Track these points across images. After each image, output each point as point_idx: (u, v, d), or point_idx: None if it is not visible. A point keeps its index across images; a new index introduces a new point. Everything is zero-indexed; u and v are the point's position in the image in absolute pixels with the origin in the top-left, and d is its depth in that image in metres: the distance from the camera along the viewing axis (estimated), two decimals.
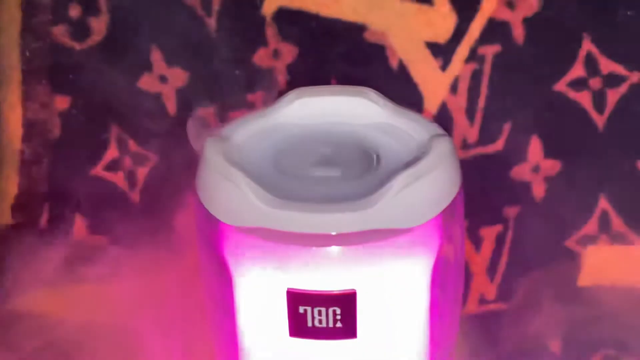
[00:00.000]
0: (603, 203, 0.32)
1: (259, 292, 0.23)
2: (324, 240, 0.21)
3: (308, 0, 0.32)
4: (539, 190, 0.33)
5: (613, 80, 0.31)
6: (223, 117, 0.33)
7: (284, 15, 0.32)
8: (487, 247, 0.33)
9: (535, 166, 0.32)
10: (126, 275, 0.32)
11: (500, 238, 0.33)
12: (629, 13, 0.30)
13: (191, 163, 0.31)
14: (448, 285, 0.23)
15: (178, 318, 0.30)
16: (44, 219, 0.33)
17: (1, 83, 0.32)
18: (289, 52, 0.32)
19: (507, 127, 0.32)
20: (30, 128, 0.33)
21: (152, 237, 0.33)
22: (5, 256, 0.32)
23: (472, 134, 0.33)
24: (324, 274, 0.22)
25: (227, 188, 0.22)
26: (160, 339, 0.30)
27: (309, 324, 0.22)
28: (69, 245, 0.33)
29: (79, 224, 0.34)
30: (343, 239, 0.21)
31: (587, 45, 0.31)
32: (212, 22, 0.32)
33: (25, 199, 0.33)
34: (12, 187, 0.33)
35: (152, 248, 0.33)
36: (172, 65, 0.33)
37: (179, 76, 0.32)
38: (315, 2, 0.31)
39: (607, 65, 0.31)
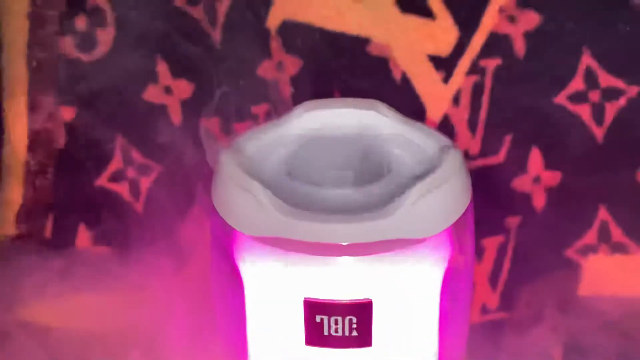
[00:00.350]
0: (603, 213, 0.33)
1: (274, 301, 0.23)
2: (340, 250, 0.22)
3: (312, 14, 0.32)
4: (539, 201, 0.34)
5: (612, 93, 0.32)
6: (227, 129, 0.34)
7: (288, 29, 0.33)
8: (490, 257, 0.34)
9: (536, 177, 0.33)
10: (130, 286, 0.33)
11: (502, 248, 0.34)
12: (627, 29, 0.31)
13: (195, 174, 0.32)
14: (458, 295, 0.24)
15: (183, 328, 0.31)
16: (48, 230, 0.34)
17: (7, 93, 0.32)
18: (293, 65, 0.33)
19: (508, 139, 0.33)
20: (36, 138, 0.33)
21: (156, 247, 0.33)
22: (9, 266, 0.32)
23: (474, 145, 0.33)
24: (340, 283, 0.22)
25: (244, 198, 0.22)
26: (166, 350, 0.31)
27: (325, 332, 0.23)
28: (73, 255, 0.33)
29: (83, 235, 0.34)
30: (358, 249, 0.22)
31: (587, 60, 0.32)
32: (217, 35, 0.33)
33: (29, 210, 0.33)
34: (17, 198, 0.33)
35: (156, 258, 0.33)
36: (177, 77, 0.33)
37: (184, 88, 0.33)
38: (319, 16, 0.32)
39: (606, 79, 0.32)
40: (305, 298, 0.22)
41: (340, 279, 0.23)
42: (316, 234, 0.22)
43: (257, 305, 0.23)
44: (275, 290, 0.23)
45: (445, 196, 0.22)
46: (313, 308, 0.22)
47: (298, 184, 0.23)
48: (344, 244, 0.22)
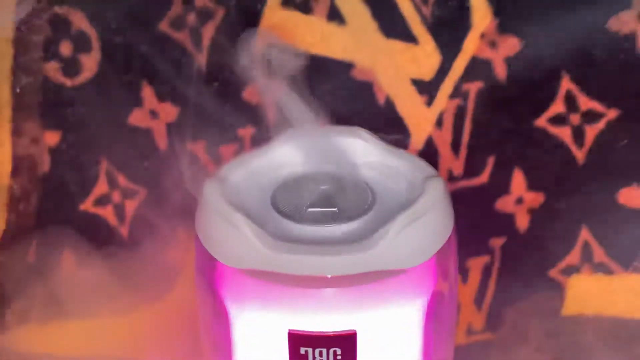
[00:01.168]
0: (585, 234, 0.34)
1: (259, 332, 0.24)
2: (324, 282, 0.23)
3: (297, 39, 0.33)
4: (522, 222, 0.35)
5: (592, 116, 0.34)
6: (213, 153, 0.34)
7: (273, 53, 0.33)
8: (474, 278, 0.35)
9: (519, 198, 0.34)
10: (115, 311, 0.33)
11: (486, 269, 0.35)
12: (604, 54, 0.32)
13: (180, 198, 0.32)
14: (443, 320, 0.24)
15: (169, 355, 0.31)
16: (32, 255, 0.34)
17: None
18: (277, 89, 0.34)
19: (491, 161, 0.34)
20: (20, 164, 0.34)
21: (141, 272, 0.33)
22: None
23: (458, 167, 0.34)
24: (324, 315, 0.23)
25: (227, 230, 0.23)
26: None
27: None
28: (57, 280, 0.34)
29: (68, 259, 0.34)
30: (341, 281, 0.23)
31: (567, 84, 0.33)
32: (202, 59, 0.33)
33: (13, 235, 0.34)
34: (0, 223, 0.34)
35: (142, 283, 0.33)
36: (162, 100, 0.34)
37: (169, 111, 0.33)
38: (303, 41, 0.33)
39: (585, 103, 0.33)
40: (289, 330, 0.23)
41: (324, 311, 0.24)
42: (300, 266, 0.23)
43: (244, 337, 0.24)
44: (259, 322, 0.24)
45: (428, 226, 0.23)
46: (297, 340, 0.23)
47: (281, 214, 0.24)
48: (328, 276, 0.23)
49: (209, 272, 0.25)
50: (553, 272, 0.35)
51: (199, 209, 0.25)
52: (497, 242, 0.35)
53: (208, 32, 0.33)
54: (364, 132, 0.27)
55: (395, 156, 0.26)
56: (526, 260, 0.35)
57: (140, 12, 0.32)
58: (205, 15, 0.32)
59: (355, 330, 0.24)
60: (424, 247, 0.24)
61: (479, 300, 0.36)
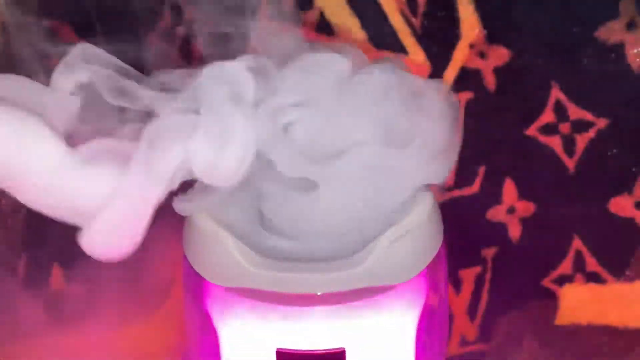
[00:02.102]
0: (577, 243, 0.34)
1: (247, 351, 0.23)
2: (313, 300, 0.23)
3: (287, 52, 0.33)
4: (514, 231, 0.35)
5: (581, 125, 0.34)
6: None
7: None
8: (467, 288, 0.35)
9: (510, 207, 0.34)
10: (105, 326, 0.33)
11: (479, 279, 0.35)
12: (593, 63, 0.32)
13: (170, 212, 0.32)
14: (434, 334, 0.24)
15: None
16: (21, 270, 0.34)
17: None
18: None
19: (482, 170, 0.34)
20: None
21: (130, 287, 0.33)
22: None
23: (449, 177, 0.34)
24: (312, 333, 0.23)
25: (213, 249, 0.23)
26: None
27: None
28: (46, 295, 0.33)
29: (57, 274, 0.34)
30: (330, 298, 0.23)
31: (556, 93, 0.33)
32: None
33: (2, 250, 0.33)
34: None
35: (132, 298, 0.33)
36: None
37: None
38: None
39: (575, 112, 0.33)
40: (277, 349, 0.23)
41: (312, 329, 0.23)
42: (288, 284, 0.22)
43: (231, 355, 0.24)
44: (247, 341, 0.24)
45: (417, 240, 0.23)
46: (286, 359, 0.23)
47: (268, 228, 0.24)
48: (317, 293, 0.23)
49: (197, 290, 0.25)
50: (546, 282, 0.35)
51: (185, 226, 0.25)
52: (489, 252, 0.35)
53: (198, 45, 0.33)
54: None
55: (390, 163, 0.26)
56: (519, 270, 0.35)
57: None
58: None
59: (344, 348, 0.23)
60: (413, 261, 0.24)
61: (472, 311, 0.36)
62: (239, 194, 0.25)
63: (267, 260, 0.23)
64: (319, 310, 0.23)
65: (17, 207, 0.34)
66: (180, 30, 0.33)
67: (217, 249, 0.23)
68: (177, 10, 0.33)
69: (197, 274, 0.24)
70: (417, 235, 0.24)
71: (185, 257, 0.25)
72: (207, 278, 0.24)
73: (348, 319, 0.24)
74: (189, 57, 0.34)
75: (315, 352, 0.23)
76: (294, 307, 0.23)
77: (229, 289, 0.24)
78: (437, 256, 0.25)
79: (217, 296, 0.24)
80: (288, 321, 0.23)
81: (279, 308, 0.23)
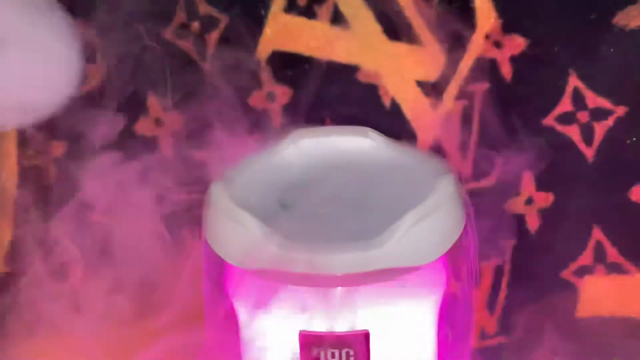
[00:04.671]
0: (597, 233, 0.34)
1: (269, 334, 0.23)
2: (334, 281, 0.23)
3: (301, 44, 0.33)
4: (533, 223, 0.34)
5: (600, 113, 0.33)
6: (219, 159, 0.34)
7: (278, 59, 0.34)
8: (486, 281, 0.35)
9: (529, 199, 0.34)
10: (122, 322, 0.33)
11: (498, 271, 0.35)
12: (611, 50, 0.32)
13: (187, 206, 0.32)
14: (457, 321, 0.24)
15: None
16: (38, 267, 0.34)
17: None
18: (283, 94, 0.34)
19: (499, 162, 0.34)
20: (25, 175, 0.34)
21: (147, 282, 0.33)
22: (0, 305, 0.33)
23: (466, 168, 0.34)
24: (335, 315, 0.23)
25: (235, 230, 0.23)
26: None
27: None
28: (65, 292, 0.34)
29: (75, 271, 0.34)
30: (352, 279, 0.23)
31: (574, 81, 0.33)
32: (207, 67, 0.33)
33: (19, 247, 0.34)
34: (6, 235, 0.34)
35: (147, 293, 0.33)
36: (168, 109, 0.34)
37: (175, 120, 0.34)
38: (308, 46, 0.33)
39: (593, 100, 0.33)
40: (300, 331, 0.23)
41: (334, 311, 0.23)
42: (309, 265, 0.23)
43: (254, 339, 0.24)
44: (269, 324, 0.24)
45: (439, 223, 0.23)
46: (309, 341, 0.23)
47: (290, 214, 0.24)
48: (338, 274, 0.23)
49: (218, 274, 0.25)
50: (566, 274, 0.35)
51: (206, 211, 0.25)
52: (507, 244, 0.35)
53: (212, 40, 0.34)
54: (371, 131, 0.27)
55: (404, 154, 0.26)
56: (538, 262, 0.35)
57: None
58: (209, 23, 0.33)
59: (368, 330, 0.23)
60: (435, 244, 0.24)
61: (491, 304, 0.35)
62: (260, 179, 0.25)
63: (288, 241, 0.23)
64: (341, 291, 0.23)
65: (35, 204, 0.35)
66: (195, 25, 0.33)
67: (239, 230, 0.24)
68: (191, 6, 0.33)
69: (218, 258, 0.24)
70: (438, 218, 0.24)
71: (205, 243, 0.25)
72: (229, 261, 0.24)
73: (369, 301, 0.24)
74: (204, 53, 0.34)
75: (339, 334, 0.23)
76: (314, 288, 0.23)
77: (250, 272, 0.24)
78: (459, 241, 0.25)
79: (238, 280, 0.24)
80: (310, 303, 0.23)
81: (300, 289, 0.23)
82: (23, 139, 0.34)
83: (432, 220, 0.24)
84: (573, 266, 0.35)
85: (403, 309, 0.24)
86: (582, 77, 0.34)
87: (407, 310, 0.24)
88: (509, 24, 0.33)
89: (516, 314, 0.35)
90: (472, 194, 0.35)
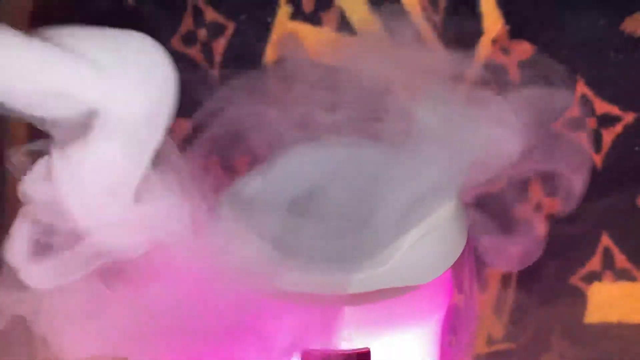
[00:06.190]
0: (605, 240, 0.34)
1: (272, 351, 0.23)
2: (337, 300, 0.23)
3: (309, 50, 0.33)
4: (541, 229, 0.34)
5: (608, 120, 0.33)
6: (228, 166, 0.34)
7: (285, 65, 0.33)
8: (494, 287, 0.35)
9: (537, 204, 0.34)
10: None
11: (505, 278, 0.34)
12: (620, 56, 0.32)
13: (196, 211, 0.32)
14: (459, 334, 0.24)
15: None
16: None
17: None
18: (290, 101, 0.34)
19: (507, 166, 0.34)
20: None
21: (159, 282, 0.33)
22: None
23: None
24: (337, 333, 0.23)
25: (239, 248, 0.23)
26: None
27: None
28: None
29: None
30: (356, 298, 0.22)
31: (582, 88, 0.33)
32: (215, 73, 0.33)
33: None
34: None
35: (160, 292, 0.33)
36: (176, 116, 0.34)
37: (183, 126, 0.34)
38: (316, 52, 0.33)
39: (601, 106, 0.33)
40: (303, 349, 0.23)
41: (338, 329, 0.23)
42: (313, 284, 0.22)
43: (257, 355, 0.24)
44: (272, 341, 0.24)
45: (441, 240, 0.23)
46: (311, 359, 0.23)
47: (296, 226, 0.24)
48: (340, 294, 0.23)
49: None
50: (574, 280, 0.35)
51: (211, 225, 0.25)
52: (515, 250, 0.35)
53: (220, 46, 0.34)
54: (376, 142, 0.26)
55: (409, 164, 0.26)
56: (546, 268, 0.35)
57: None
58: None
59: (369, 348, 0.23)
60: (437, 261, 0.24)
61: (498, 310, 0.35)
62: (268, 191, 0.25)
63: (292, 259, 0.23)
64: (345, 310, 0.23)
65: None
66: (202, 33, 0.33)
67: (243, 248, 0.24)
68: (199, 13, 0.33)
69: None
70: (440, 235, 0.24)
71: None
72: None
73: (372, 319, 0.24)
74: (212, 60, 0.34)
75: (341, 352, 0.23)
76: (319, 307, 0.23)
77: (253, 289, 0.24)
78: (462, 256, 0.24)
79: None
80: (314, 321, 0.23)
81: (303, 307, 0.23)
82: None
83: (435, 238, 0.24)
84: (581, 272, 0.35)
85: (407, 325, 0.24)
86: (589, 84, 0.34)
87: (409, 327, 0.24)
88: (516, 29, 0.33)
89: (524, 320, 0.35)
90: (481, 200, 0.35)
